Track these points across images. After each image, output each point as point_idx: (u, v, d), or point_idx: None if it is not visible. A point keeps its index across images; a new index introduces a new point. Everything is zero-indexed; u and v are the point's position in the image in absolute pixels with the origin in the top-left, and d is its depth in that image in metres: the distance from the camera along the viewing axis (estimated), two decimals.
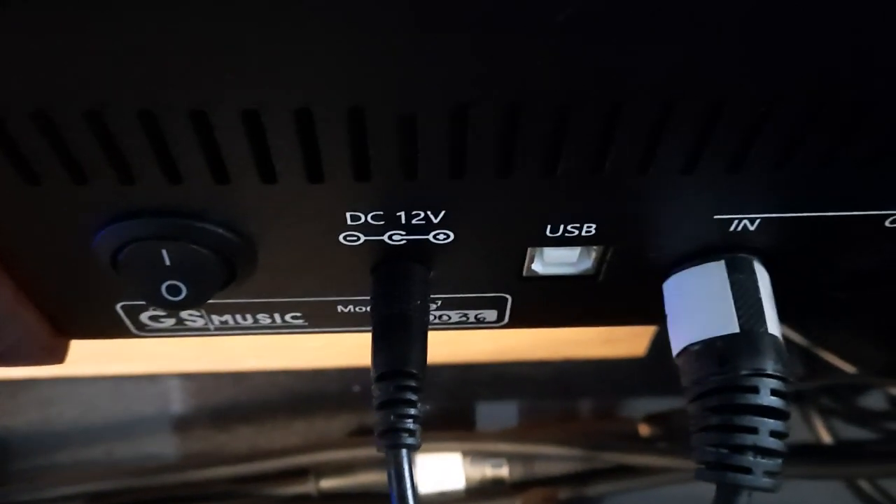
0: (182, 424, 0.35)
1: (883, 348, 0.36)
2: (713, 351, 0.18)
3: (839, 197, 0.17)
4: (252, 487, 0.33)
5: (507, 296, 0.20)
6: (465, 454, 0.33)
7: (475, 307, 0.20)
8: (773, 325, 0.18)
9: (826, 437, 0.35)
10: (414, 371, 0.17)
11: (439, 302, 0.20)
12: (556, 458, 0.32)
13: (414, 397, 0.17)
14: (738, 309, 0.18)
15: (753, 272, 0.18)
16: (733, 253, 0.18)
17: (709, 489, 0.36)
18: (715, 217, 0.17)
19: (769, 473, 0.17)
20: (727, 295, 0.18)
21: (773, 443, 0.17)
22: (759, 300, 0.18)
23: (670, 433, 0.33)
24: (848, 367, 0.35)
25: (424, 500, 0.33)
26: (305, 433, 0.35)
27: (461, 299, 0.20)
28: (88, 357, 0.34)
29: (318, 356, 0.35)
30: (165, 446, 0.34)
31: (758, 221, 0.17)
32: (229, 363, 0.35)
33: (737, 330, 0.17)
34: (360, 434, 0.35)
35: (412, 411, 0.17)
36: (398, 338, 0.18)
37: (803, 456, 0.34)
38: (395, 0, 0.12)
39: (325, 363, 0.35)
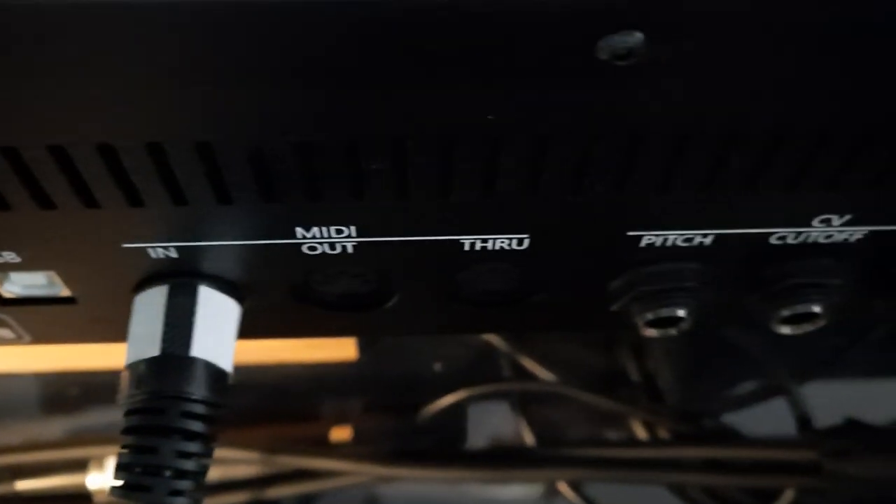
0: None
1: (584, 357, 0.36)
2: (135, 373, 0.18)
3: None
4: None
5: (6, 317, 0.21)
6: None
7: None
8: (204, 349, 0.18)
9: (529, 441, 0.36)
10: None
11: None
12: (234, 461, 0.32)
13: None
14: (165, 332, 0.18)
15: (194, 297, 0.19)
16: (179, 278, 0.19)
17: (390, 490, 0.36)
18: (124, 245, 0.18)
19: (176, 493, 0.18)
20: (160, 318, 0.19)
21: (181, 463, 0.18)
22: (191, 324, 0.19)
23: (359, 437, 0.34)
24: (548, 375, 0.35)
25: None
26: (22, 435, 0.36)
27: None
28: None
29: (37, 359, 0.36)
30: None
31: (173, 250, 0.18)
32: None
33: (157, 353, 0.18)
34: (76, 436, 0.36)
35: None
36: None
37: (504, 459, 0.35)
38: None
39: (43, 367, 0.36)
